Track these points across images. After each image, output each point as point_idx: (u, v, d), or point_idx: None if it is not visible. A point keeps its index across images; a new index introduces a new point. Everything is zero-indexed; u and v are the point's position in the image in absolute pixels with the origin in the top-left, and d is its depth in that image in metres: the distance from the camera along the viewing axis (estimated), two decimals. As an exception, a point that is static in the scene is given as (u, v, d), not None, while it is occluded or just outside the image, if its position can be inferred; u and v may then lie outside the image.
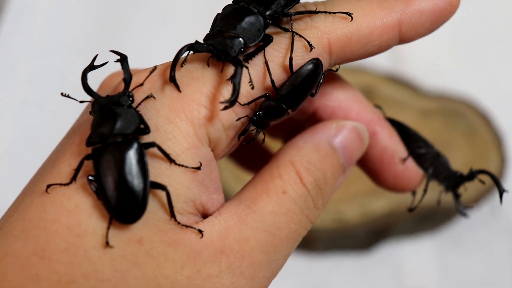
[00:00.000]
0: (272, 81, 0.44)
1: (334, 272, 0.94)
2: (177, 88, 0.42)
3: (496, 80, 1.12)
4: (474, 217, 0.94)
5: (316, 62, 0.45)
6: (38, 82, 1.12)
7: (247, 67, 0.43)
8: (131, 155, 0.40)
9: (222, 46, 0.42)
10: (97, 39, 1.16)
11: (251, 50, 0.44)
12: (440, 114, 1.01)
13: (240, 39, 0.42)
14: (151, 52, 1.13)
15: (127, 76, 0.43)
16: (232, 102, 0.40)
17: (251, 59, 0.43)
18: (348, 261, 0.94)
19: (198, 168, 0.42)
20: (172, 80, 0.42)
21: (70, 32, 1.19)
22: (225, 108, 0.41)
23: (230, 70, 0.43)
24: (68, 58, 1.15)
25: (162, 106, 0.42)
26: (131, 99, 0.42)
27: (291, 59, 0.44)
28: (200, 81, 0.43)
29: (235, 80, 0.41)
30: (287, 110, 0.45)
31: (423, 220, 0.93)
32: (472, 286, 0.92)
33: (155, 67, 0.44)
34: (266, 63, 0.44)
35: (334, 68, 0.48)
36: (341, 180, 0.49)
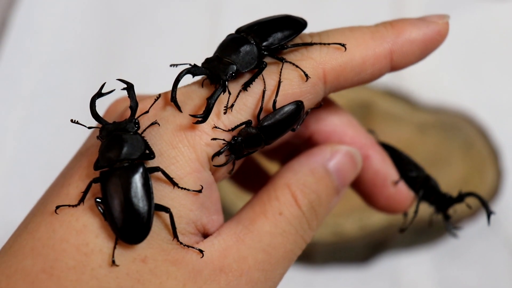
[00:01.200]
0: (261, 109, 0.46)
1: (332, 285, 0.94)
2: (178, 108, 0.45)
3: (492, 94, 1.13)
4: (471, 230, 0.95)
5: (299, 104, 0.47)
6: (41, 97, 1.13)
7: (229, 92, 0.46)
8: (137, 179, 0.42)
9: (216, 70, 0.45)
10: (100, 55, 1.17)
11: (246, 77, 0.47)
12: (437, 128, 1.02)
13: (233, 65, 0.46)
14: (152, 67, 1.15)
15: (133, 104, 0.45)
16: (203, 118, 0.44)
17: (249, 87, 0.46)
18: (347, 274, 0.95)
19: (200, 191, 0.44)
20: (173, 101, 0.45)
21: (73, 47, 1.20)
22: (198, 122, 0.44)
23: (231, 96, 0.46)
24: (71, 73, 1.16)
25: (166, 132, 0.44)
26: (137, 126, 0.44)
27: (274, 102, 0.46)
28: (202, 109, 0.45)
29: (210, 100, 0.44)
30: (263, 141, 0.47)
31: (420, 233, 0.93)
32: (470, 298, 0.92)
33: (159, 95, 0.46)
34: (263, 91, 0.46)
35: (317, 106, 0.49)
36: (335, 201, 0.51)
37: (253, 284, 0.44)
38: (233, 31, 0.50)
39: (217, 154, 0.44)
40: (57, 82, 1.16)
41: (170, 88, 0.46)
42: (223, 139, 0.45)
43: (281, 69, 0.46)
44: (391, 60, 0.49)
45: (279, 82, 0.46)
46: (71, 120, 0.48)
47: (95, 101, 0.46)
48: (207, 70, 0.46)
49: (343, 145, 0.53)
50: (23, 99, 1.13)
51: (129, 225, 0.41)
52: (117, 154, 0.43)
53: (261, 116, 0.46)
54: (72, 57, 1.19)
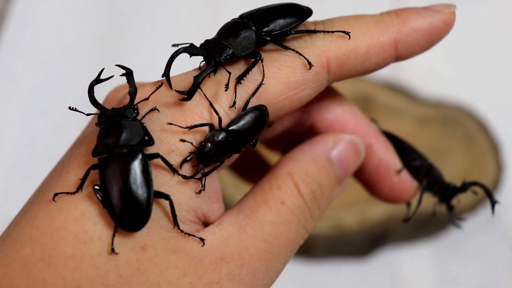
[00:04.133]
0: (247, 102, 0.45)
1: (332, 278, 0.94)
2: (170, 85, 0.44)
3: (493, 88, 1.13)
4: (471, 224, 0.95)
5: (264, 109, 0.46)
6: (40, 91, 1.13)
7: (229, 72, 0.45)
8: (136, 166, 0.42)
9: (211, 52, 0.45)
10: (99, 48, 1.17)
11: (242, 63, 0.47)
12: (437, 121, 1.02)
13: (229, 48, 0.45)
14: (151, 61, 1.14)
15: (133, 89, 0.44)
16: (187, 95, 0.43)
17: (243, 79, 0.45)
18: (347, 268, 0.95)
19: (200, 179, 0.43)
20: (165, 76, 0.44)
21: (72, 41, 1.20)
22: (183, 99, 0.43)
23: (228, 81, 0.45)
24: (70, 67, 1.16)
25: (166, 119, 0.43)
26: (136, 111, 0.43)
27: (247, 103, 0.45)
28: (209, 93, 0.45)
29: (196, 78, 0.44)
30: (231, 148, 0.45)
31: (421, 227, 0.93)
32: (470, 292, 0.92)
33: (161, 84, 0.45)
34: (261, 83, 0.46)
35: (268, 125, 0.48)
36: (337, 191, 0.50)
37: (255, 274, 0.44)
38: None
39: (184, 161, 0.43)
40: (56, 76, 1.15)
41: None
42: (191, 143, 0.43)
43: (263, 68, 0.45)
44: (396, 50, 0.48)
45: (261, 83, 0.45)
46: (69, 108, 0.47)
47: (94, 87, 0.45)
48: (204, 51, 0.45)
49: (346, 134, 0.52)
50: (22, 93, 1.12)
51: (128, 212, 0.41)
52: (116, 140, 0.42)
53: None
54: (71, 50, 1.18)
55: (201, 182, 0.43)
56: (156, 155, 0.42)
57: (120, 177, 0.41)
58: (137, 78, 0.46)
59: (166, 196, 0.42)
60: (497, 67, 1.16)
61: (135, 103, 0.44)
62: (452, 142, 1.00)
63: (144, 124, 0.43)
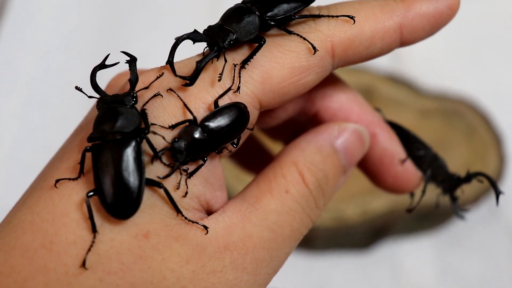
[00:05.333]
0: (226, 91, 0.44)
1: (333, 270, 0.94)
2: (174, 72, 0.44)
3: (495, 80, 1.12)
4: (473, 217, 0.95)
5: (242, 106, 0.45)
6: (40, 83, 1.12)
7: (225, 60, 0.45)
8: (128, 153, 0.41)
9: (215, 37, 0.45)
10: (99, 39, 1.16)
11: (245, 48, 0.46)
12: (439, 114, 1.01)
13: (233, 33, 0.45)
14: (152, 51, 1.14)
15: (133, 77, 0.44)
16: (190, 80, 0.43)
17: (247, 64, 0.45)
18: (348, 260, 0.95)
19: (202, 165, 0.43)
20: (169, 63, 0.44)
21: (71, 32, 1.19)
22: (186, 85, 0.43)
23: (223, 69, 0.45)
24: (70, 58, 1.16)
25: (169, 104, 0.43)
26: (134, 99, 0.43)
27: (216, 100, 0.44)
28: (206, 80, 0.44)
29: (199, 63, 0.43)
30: (208, 145, 0.44)
31: (422, 220, 0.93)
32: (471, 285, 0.92)
33: (163, 73, 0.45)
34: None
35: (250, 128, 0.47)
36: (342, 180, 0.50)
37: (258, 263, 0.44)
38: None
39: (155, 156, 0.42)
40: (55, 67, 1.15)
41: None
42: (162, 137, 0.42)
43: (239, 71, 0.44)
44: (401, 34, 0.48)
45: (229, 88, 0.44)
46: (76, 87, 0.46)
47: (96, 72, 0.45)
48: (207, 37, 0.45)
49: (351, 123, 0.52)
50: (22, 84, 1.12)
51: (118, 199, 0.40)
52: (110, 127, 0.42)
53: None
54: (71, 42, 1.18)
55: (179, 182, 0.42)
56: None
57: (112, 164, 0.41)
58: (138, 68, 0.45)
59: (159, 185, 0.41)
60: (499, 59, 1.15)
61: (135, 91, 0.43)
62: (454, 134, 0.99)
63: (147, 111, 0.43)
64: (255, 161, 0.62)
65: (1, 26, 1.18)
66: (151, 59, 1.11)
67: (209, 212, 0.45)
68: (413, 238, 0.96)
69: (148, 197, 0.41)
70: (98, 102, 0.44)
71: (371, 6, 0.48)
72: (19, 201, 0.44)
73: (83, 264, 0.39)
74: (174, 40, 0.45)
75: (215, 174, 0.45)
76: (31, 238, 0.40)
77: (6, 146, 1.05)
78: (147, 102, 0.43)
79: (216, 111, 0.43)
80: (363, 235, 0.93)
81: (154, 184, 0.41)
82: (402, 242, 0.96)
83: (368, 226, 0.92)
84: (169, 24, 1.19)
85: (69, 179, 0.42)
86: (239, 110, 0.44)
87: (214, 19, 0.49)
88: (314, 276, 0.94)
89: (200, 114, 0.43)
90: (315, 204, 0.47)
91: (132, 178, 0.41)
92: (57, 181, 0.42)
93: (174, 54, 0.44)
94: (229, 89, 0.44)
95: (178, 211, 0.41)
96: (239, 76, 0.44)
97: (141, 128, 0.42)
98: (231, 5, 0.49)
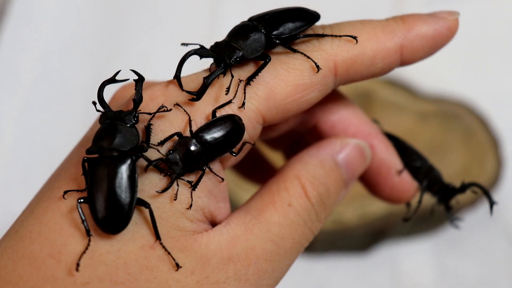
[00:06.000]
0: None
1: (332, 273, 0.95)
2: (180, 86, 0.45)
3: (493, 83, 1.13)
4: (471, 219, 0.95)
5: (237, 118, 0.45)
6: (40, 85, 1.13)
7: (232, 76, 0.46)
8: (123, 170, 0.42)
9: (221, 54, 0.46)
10: (99, 41, 1.17)
11: (251, 65, 0.47)
12: (437, 116, 1.02)
13: (239, 51, 0.46)
14: (151, 54, 1.14)
15: (137, 97, 0.45)
16: (197, 95, 0.44)
17: (253, 81, 0.46)
18: (347, 262, 0.95)
19: (203, 174, 0.44)
20: (176, 78, 0.45)
21: (72, 34, 1.20)
22: (193, 100, 0.44)
23: (230, 85, 0.46)
24: (70, 60, 1.16)
25: (176, 118, 0.44)
26: (135, 119, 0.44)
27: (214, 111, 0.45)
28: (212, 95, 0.45)
29: (206, 79, 0.44)
30: (203, 156, 0.44)
31: (420, 222, 0.93)
32: (469, 287, 0.92)
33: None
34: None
35: (251, 143, 0.48)
36: (342, 194, 0.51)
37: (261, 274, 0.44)
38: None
39: (148, 165, 0.42)
40: (56, 70, 1.15)
41: (170, 74, 0.46)
42: (157, 149, 0.43)
43: (244, 87, 0.46)
44: (401, 55, 0.49)
45: (230, 101, 0.45)
46: (93, 103, 0.46)
47: (105, 86, 0.46)
48: (214, 53, 0.46)
49: (353, 138, 0.53)
50: (22, 87, 1.12)
51: (108, 214, 0.41)
52: (108, 143, 0.43)
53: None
54: (71, 44, 1.18)
55: (177, 193, 0.43)
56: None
57: (106, 179, 0.42)
58: (138, 69, 0.46)
59: (146, 205, 0.42)
60: (497, 62, 1.15)
61: (137, 111, 0.44)
62: (452, 137, 1.00)
63: (152, 124, 0.44)
64: (254, 169, 0.63)
65: (2, 28, 1.18)
66: (151, 60, 1.12)
67: (213, 223, 0.46)
68: (412, 240, 0.96)
69: (155, 209, 0.42)
70: (101, 116, 0.45)
71: (373, 27, 0.49)
72: (25, 210, 0.45)
73: (77, 268, 0.40)
74: (175, 50, 0.46)
75: (218, 186, 0.46)
76: (39, 248, 0.41)
77: (7, 147, 1.05)
78: (153, 116, 0.44)
79: (210, 122, 0.44)
80: (361, 238, 0.94)
81: (142, 204, 0.42)
82: (400, 245, 0.96)
83: (366, 229, 0.92)
84: (169, 25, 1.20)
85: (77, 190, 0.43)
86: (233, 122, 0.45)
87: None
88: (313, 279, 0.94)
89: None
90: (317, 217, 0.48)
91: (124, 195, 0.42)
92: (65, 192, 0.43)
93: (181, 69, 0.45)
94: (230, 101, 0.45)
95: (157, 237, 0.42)
96: (244, 92, 0.45)
97: (138, 146, 0.43)
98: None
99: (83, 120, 1.15)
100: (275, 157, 0.65)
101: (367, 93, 1.02)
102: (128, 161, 0.42)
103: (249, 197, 0.50)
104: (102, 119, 0.44)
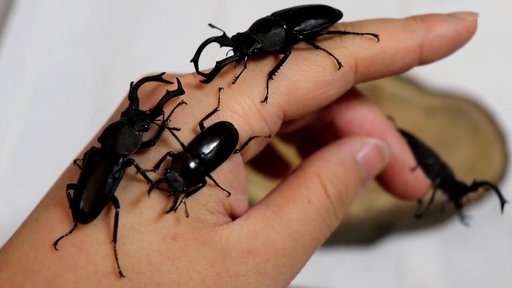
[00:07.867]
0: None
1: (337, 266, 0.95)
2: (197, 70, 0.46)
3: (500, 78, 1.13)
4: (477, 214, 0.95)
5: (228, 124, 0.45)
6: (47, 78, 1.13)
7: (245, 66, 0.47)
8: (111, 167, 0.43)
9: (241, 44, 0.47)
10: (106, 35, 1.17)
11: (270, 59, 0.48)
12: (444, 111, 1.02)
13: (258, 43, 0.47)
14: (158, 47, 1.14)
15: (156, 108, 0.45)
16: (207, 77, 0.46)
17: (275, 75, 0.46)
18: (352, 256, 0.96)
19: (202, 187, 0.44)
20: (194, 62, 0.46)
21: (78, 28, 1.20)
22: (203, 81, 0.46)
23: (238, 76, 0.47)
24: (77, 54, 1.16)
25: (198, 112, 0.45)
26: (145, 127, 0.44)
27: (201, 122, 0.45)
28: (235, 90, 0.46)
29: (219, 63, 0.46)
30: (202, 168, 0.44)
31: (426, 217, 0.93)
32: (475, 282, 0.93)
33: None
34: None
35: (267, 136, 0.48)
36: (360, 192, 0.52)
37: (279, 269, 0.45)
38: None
39: (152, 187, 0.42)
40: (63, 63, 1.15)
41: (176, 69, 0.47)
42: (153, 171, 0.44)
43: (267, 81, 0.46)
44: (421, 54, 0.50)
45: (215, 109, 0.45)
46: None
47: (141, 84, 0.46)
48: (234, 43, 0.47)
49: (372, 138, 0.54)
50: (29, 80, 1.12)
51: (81, 201, 0.42)
52: (108, 139, 0.44)
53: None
54: (78, 37, 1.18)
55: (175, 205, 0.42)
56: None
57: (94, 169, 0.43)
58: (144, 63, 0.47)
59: (117, 205, 0.42)
60: (504, 58, 1.15)
61: (150, 121, 0.45)
62: (458, 133, 1.00)
63: (169, 121, 0.44)
64: (266, 164, 0.63)
65: (9, 21, 1.18)
66: (157, 53, 1.12)
67: (232, 216, 0.47)
68: (417, 235, 0.96)
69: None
70: (126, 108, 0.46)
71: (394, 26, 0.49)
72: (45, 197, 0.46)
73: (55, 245, 0.41)
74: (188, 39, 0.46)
75: (238, 179, 0.46)
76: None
77: (14, 140, 1.06)
78: (172, 111, 0.45)
79: (201, 133, 0.44)
80: (367, 232, 0.94)
81: (114, 203, 0.42)
82: (406, 239, 0.96)
83: (372, 222, 0.92)
84: (175, 20, 1.20)
85: None
86: (224, 129, 0.45)
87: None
88: (319, 272, 0.95)
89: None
90: (335, 215, 0.49)
91: (102, 189, 0.42)
92: None
93: (200, 54, 0.46)
94: (215, 110, 0.45)
95: (114, 239, 0.42)
96: (267, 87, 0.46)
97: (131, 151, 0.43)
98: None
99: (90, 113, 1.15)
100: (288, 152, 0.65)
101: (374, 87, 1.02)
102: (120, 161, 0.43)
103: (260, 192, 0.51)
104: (124, 112, 0.45)
